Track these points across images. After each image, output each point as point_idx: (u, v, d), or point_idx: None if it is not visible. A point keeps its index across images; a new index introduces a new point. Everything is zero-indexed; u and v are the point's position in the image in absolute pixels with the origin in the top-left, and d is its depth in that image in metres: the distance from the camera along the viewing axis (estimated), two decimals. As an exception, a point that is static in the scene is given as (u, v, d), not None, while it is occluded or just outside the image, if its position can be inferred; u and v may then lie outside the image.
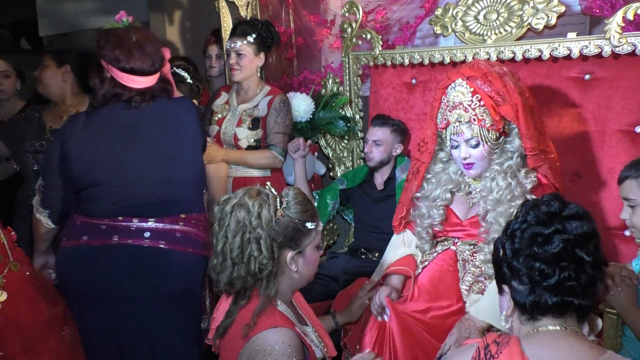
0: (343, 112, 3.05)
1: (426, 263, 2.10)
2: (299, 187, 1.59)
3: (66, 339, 1.99)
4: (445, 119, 1.95)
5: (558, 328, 1.10)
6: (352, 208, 2.91)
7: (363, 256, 2.69)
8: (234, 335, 1.46)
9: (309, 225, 1.51)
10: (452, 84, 1.93)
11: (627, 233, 2.26)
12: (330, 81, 3.10)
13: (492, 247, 1.85)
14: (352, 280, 2.47)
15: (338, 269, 2.64)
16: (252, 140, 2.69)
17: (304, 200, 1.53)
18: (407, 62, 2.76)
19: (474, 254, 1.99)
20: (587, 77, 2.32)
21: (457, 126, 1.91)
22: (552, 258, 1.07)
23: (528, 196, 1.91)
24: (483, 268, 1.94)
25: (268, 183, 1.55)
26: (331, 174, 3.18)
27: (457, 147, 1.96)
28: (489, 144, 1.90)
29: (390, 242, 2.29)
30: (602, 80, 2.29)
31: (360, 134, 3.08)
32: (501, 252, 1.17)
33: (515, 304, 1.14)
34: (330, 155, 3.16)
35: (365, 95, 3.10)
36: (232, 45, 2.67)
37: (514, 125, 1.93)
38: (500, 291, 1.19)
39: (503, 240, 1.18)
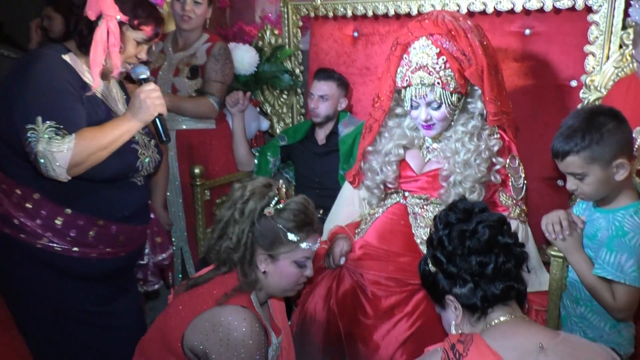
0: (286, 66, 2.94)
1: (376, 216, 2.07)
2: (307, 198, 1.54)
3: None
4: (406, 79, 1.86)
5: (508, 317, 1.16)
6: (294, 165, 2.84)
7: (307, 213, 2.64)
8: (204, 294, 1.46)
9: (291, 236, 1.46)
10: (416, 43, 1.84)
11: (560, 183, 2.37)
12: (268, 33, 2.96)
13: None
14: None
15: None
16: (192, 91, 2.53)
17: (302, 212, 1.49)
18: (349, 13, 2.68)
19: (425, 207, 1.99)
20: (527, 31, 2.37)
21: (419, 88, 1.84)
22: (485, 246, 1.14)
23: (494, 159, 1.92)
24: None
25: (281, 181, 1.53)
26: (270, 130, 3.08)
27: (417, 107, 1.91)
28: (451, 106, 1.87)
29: (340, 196, 2.25)
30: (541, 35, 2.34)
31: (300, 89, 2.99)
32: (431, 270, 1.23)
33: (464, 307, 1.18)
34: (269, 111, 3.05)
35: (305, 49, 3.00)
36: None
37: (477, 87, 1.90)
38: (443, 306, 1.23)
39: (430, 255, 1.23)
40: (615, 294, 1.51)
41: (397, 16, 2.56)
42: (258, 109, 3.01)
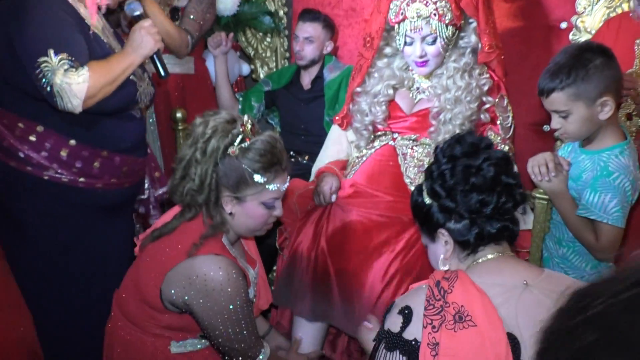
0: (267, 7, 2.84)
1: (364, 158, 2.06)
2: (275, 136, 1.45)
3: None
4: (401, 13, 1.83)
5: (496, 255, 1.14)
6: (279, 111, 2.79)
7: (292, 159, 2.62)
8: (172, 246, 1.41)
9: (257, 177, 1.38)
10: None
11: (546, 128, 2.36)
12: (249, -29, 2.83)
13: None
14: (283, 183, 2.41)
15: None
16: None
17: (269, 151, 1.39)
18: (335, -50, 2.57)
19: (414, 148, 1.97)
20: (518, -30, 2.29)
21: (415, 21, 1.81)
22: (489, 185, 1.10)
23: (484, 98, 1.92)
24: (425, 161, 1.94)
25: (246, 117, 1.41)
26: (253, 75, 3.00)
27: (411, 43, 1.87)
28: (445, 40, 1.85)
29: (327, 138, 2.23)
30: (532, -27, 2.27)
31: (284, 32, 2.90)
32: (425, 201, 1.18)
33: (456, 243, 1.15)
34: (252, 55, 2.96)
35: (288, -10, 2.89)
36: None
37: (471, 20, 1.88)
38: (433, 239, 1.20)
39: (428, 187, 1.17)
40: (598, 235, 1.53)
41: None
42: (239, 52, 2.92)
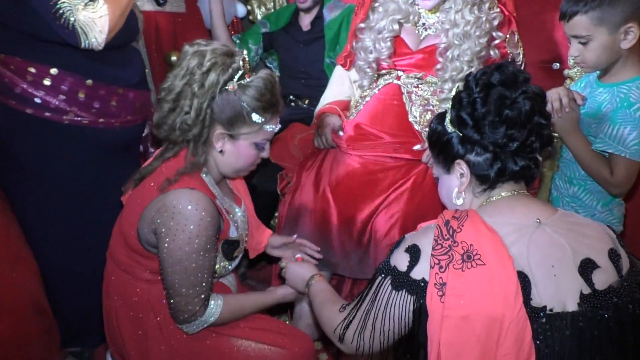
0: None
1: (367, 98, 2.00)
2: (273, 75, 1.38)
3: None
4: None
5: (510, 194, 1.09)
6: (277, 53, 2.69)
7: (292, 104, 2.55)
8: (148, 186, 1.37)
9: (255, 117, 1.33)
10: None
11: (555, 66, 2.28)
12: None
13: (446, 84, 1.83)
14: (282, 128, 2.35)
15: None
16: None
17: (269, 91, 1.34)
18: None
19: (419, 86, 1.91)
20: None
21: None
22: (523, 120, 1.03)
23: (494, 33, 1.85)
24: (430, 99, 1.88)
25: (245, 52, 1.35)
26: (250, 17, 2.88)
27: None
28: None
29: (331, 79, 2.15)
30: None
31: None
32: (447, 129, 1.11)
33: (473, 176, 1.10)
34: (249, -5, 2.84)
35: None
36: None
37: None
38: (448, 170, 1.14)
39: (454, 114, 1.09)
40: (614, 169, 1.48)
41: None
42: (235, -8, 2.79)
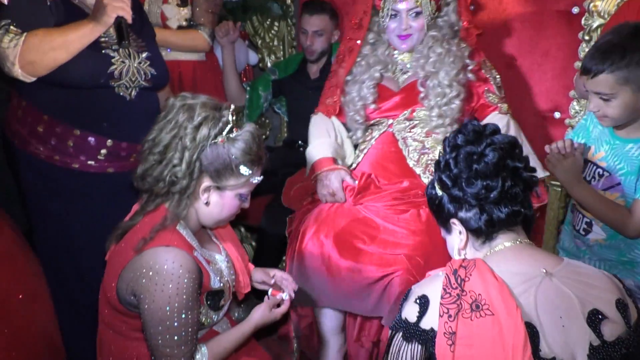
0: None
1: (365, 150, 2.09)
2: (258, 129, 1.44)
3: None
4: None
5: (512, 243, 1.13)
6: (286, 100, 2.77)
7: (301, 149, 2.60)
8: (125, 246, 1.36)
9: (243, 169, 1.37)
10: None
11: (556, 115, 2.33)
12: (256, -41, 2.81)
13: (433, 112, 1.96)
14: (292, 172, 2.40)
15: (276, 162, 2.55)
16: (182, 20, 2.44)
17: (255, 144, 1.38)
18: None
19: (412, 129, 2.02)
20: (528, -45, 2.26)
21: None
22: (492, 170, 1.09)
23: (467, 61, 2.01)
24: (425, 142, 1.97)
25: (233, 106, 1.39)
26: (261, 64, 2.98)
27: (395, 16, 1.97)
28: (428, 15, 1.95)
29: (312, 126, 2.22)
30: (543, -42, 2.24)
31: (292, 19, 2.87)
32: (437, 193, 1.19)
33: (469, 231, 1.15)
34: (259, 44, 2.94)
35: (294, -23, 2.86)
36: None
37: (449, 1, 2.01)
38: (448, 230, 1.20)
39: (437, 178, 1.18)
40: (635, 211, 1.48)
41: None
42: (247, 41, 2.89)
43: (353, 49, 2.12)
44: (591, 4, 2.11)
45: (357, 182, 1.98)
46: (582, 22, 2.16)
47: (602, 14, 2.08)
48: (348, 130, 2.20)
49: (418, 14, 1.95)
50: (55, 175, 1.75)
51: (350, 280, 1.80)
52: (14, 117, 1.76)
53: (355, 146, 2.20)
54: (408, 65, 2.08)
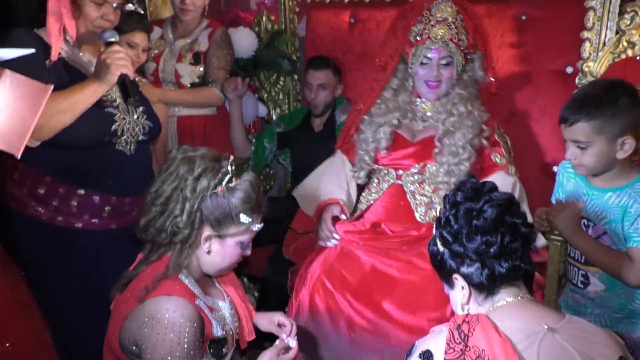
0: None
1: (371, 202, 2.11)
2: (254, 177, 1.47)
3: None
4: (425, 33, 1.98)
5: (514, 299, 1.15)
6: (290, 151, 2.84)
7: (305, 200, 2.64)
8: (129, 295, 1.38)
9: (243, 217, 1.40)
10: (438, 0, 2.00)
11: (555, 169, 2.38)
12: (265, 19, 2.94)
13: (442, 168, 1.98)
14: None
15: (280, 213, 2.58)
16: (195, 77, 2.55)
17: (254, 192, 1.42)
18: (346, -1, 2.67)
19: (421, 184, 2.03)
20: (523, 17, 2.37)
21: (436, 42, 1.96)
22: (491, 225, 1.13)
23: (483, 126, 2.04)
24: (433, 198, 1.99)
25: (232, 157, 1.44)
26: (266, 117, 3.07)
27: (427, 64, 2.01)
28: (458, 65, 2.00)
29: (326, 168, 2.27)
30: (537, 20, 2.35)
31: (296, 75, 2.98)
32: (439, 249, 1.22)
33: (471, 286, 1.18)
34: (265, 97, 3.04)
35: (301, 35, 2.98)
36: None
37: (474, 57, 2.05)
38: (451, 285, 1.23)
39: (438, 234, 1.22)
40: (634, 259, 1.50)
41: (394, 2, 2.55)
42: (256, 95, 2.99)
43: (375, 89, 2.16)
44: (584, 65, 2.21)
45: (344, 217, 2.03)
46: (576, 81, 2.25)
47: (594, 74, 2.18)
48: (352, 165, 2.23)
49: (449, 63, 1.99)
50: (56, 235, 1.75)
51: (369, 338, 1.79)
52: (10, 179, 1.73)
53: (358, 185, 2.22)
54: (429, 114, 2.11)
